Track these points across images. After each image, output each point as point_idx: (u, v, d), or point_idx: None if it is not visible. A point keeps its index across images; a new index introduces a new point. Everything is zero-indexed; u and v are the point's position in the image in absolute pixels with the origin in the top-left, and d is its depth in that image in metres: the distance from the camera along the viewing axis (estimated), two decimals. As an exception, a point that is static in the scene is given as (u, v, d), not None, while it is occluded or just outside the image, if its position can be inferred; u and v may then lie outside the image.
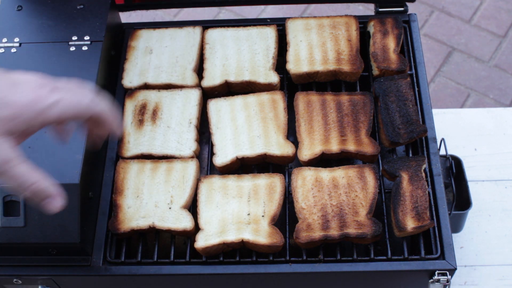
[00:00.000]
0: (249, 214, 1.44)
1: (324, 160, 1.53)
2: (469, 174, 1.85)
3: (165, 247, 1.50)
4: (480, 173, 1.89)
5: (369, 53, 1.67)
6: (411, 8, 1.76)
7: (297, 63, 1.64)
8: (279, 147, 1.52)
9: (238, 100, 1.61)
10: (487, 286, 1.73)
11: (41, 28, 1.62)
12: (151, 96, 1.62)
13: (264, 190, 1.47)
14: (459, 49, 3.17)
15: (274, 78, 1.62)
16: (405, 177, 1.46)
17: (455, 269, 1.39)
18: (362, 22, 1.72)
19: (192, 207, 1.50)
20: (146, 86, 1.65)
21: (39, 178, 1.11)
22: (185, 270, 1.42)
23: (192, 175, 1.50)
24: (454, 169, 1.70)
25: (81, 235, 1.38)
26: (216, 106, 1.61)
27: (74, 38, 1.60)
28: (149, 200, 1.48)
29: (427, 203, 1.42)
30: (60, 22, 1.63)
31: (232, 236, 1.40)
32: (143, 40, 1.71)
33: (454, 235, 1.77)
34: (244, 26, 1.73)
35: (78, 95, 1.15)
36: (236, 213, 1.44)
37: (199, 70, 1.69)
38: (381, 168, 1.53)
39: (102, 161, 1.55)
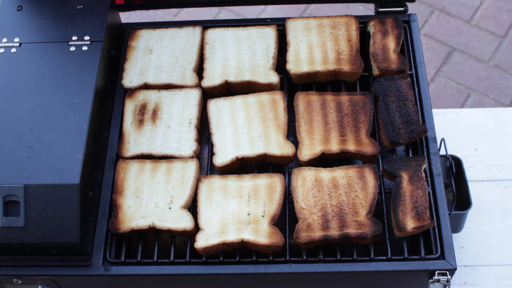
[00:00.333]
0: (249, 214, 1.44)
1: (324, 160, 1.53)
2: (469, 174, 1.85)
3: (165, 247, 1.50)
4: (480, 173, 1.89)
5: (369, 53, 1.67)
6: (411, 8, 1.76)
7: (297, 63, 1.64)
8: (279, 147, 1.52)
9: (238, 100, 1.61)
10: (487, 286, 1.73)
11: (41, 28, 1.62)
12: (151, 96, 1.62)
13: (264, 190, 1.47)
14: (459, 49, 3.17)
15: (274, 78, 1.62)
16: (405, 177, 1.46)
17: (455, 269, 1.39)
18: (362, 22, 1.72)
19: (192, 207, 1.50)
20: (146, 86, 1.64)
21: None
22: (185, 270, 1.42)
23: (192, 175, 1.50)
24: (454, 169, 1.70)
25: (81, 235, 1.38)
26: (216, 106, 1.61)
27: (74, 38, 1.60)
28: (149, 200, 1.48)
29: (427, 203, 1.42)
30: (60, 22, 1.63)
31: (232, 236, 1.40)
32: (143, 40, 1.71)
33: (454, 235, 1.77)
34: (244, 26, 1.73)
35: None
36: (236, 213, 1.44)
37: (199, 70, 1.69)
38: (381, 168, 1.53)
39: (102, 161, 1.55)
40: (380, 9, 1.75)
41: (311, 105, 1.58)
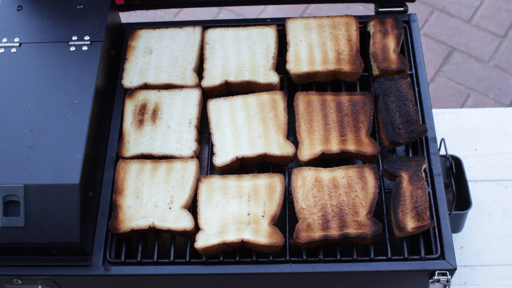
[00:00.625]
0: (249, 214, 1.44)
1: (324, 160, 1.53)
2: (469, 174, 1.85)
3: (165, 247, 1.50)
4: (480, 173, 1.89)
5: (369, 53, 1.67)
6: (411, 8, 1.76)
7: (297, 63, 1.64)
8: (279, 147, 1.52)
9: (238, 100, 1.61)
10: (487, 286, 1.73)
11: (41, 28, 1.62)
12: (151, 96, 1.62)
13: (264, 190, 1.47)
14: (459, 49, 3.17)
15: (274, 78, 1.62)
16: (405, 177, 1.46)
17: (455, 269, 1.39)
18: (362, 22, 1.72)
19: (192, 207, 1.50)
20: (146, 86, 1.65)
21: None
22: (185, 270, 1.42)
23: (192, 175, 1.50)
24: (454, 169, 1.70)
25: (81, 235, 1.38)
26: (216, 106, 1.61)
27: (74, 38, 1.60)
28: (149, 200, 1.48)
29: (427, 203, 1.42)
30: (60, 22, 1.63)
31: (232, 236, 1.40)
32: (143, 40, 1.71)
33: (454, 235, 1.77)
34: (244, 26, 1.73)
35: None
36: (236, 213, 1.44)
37: (199, 70, 1.69)
38: (381, 168, 1.53)
39: (102, 161, 1.55)
40: (380, 9, 1.75)
41: (311, 105, 1.58)
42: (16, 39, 1.60)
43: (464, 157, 1.85)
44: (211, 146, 1.58)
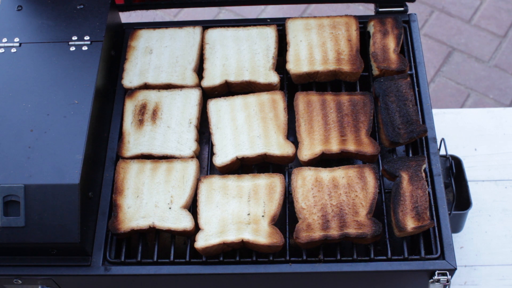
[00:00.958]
0: (249, 214, 1.44)
1: (324, 160, 1.53)
2: (469, 174, 1.85)
3: (165, 247, 1.50)
4: (480, 173, 1.89)
5: (369, 53, 1.67)
6: (411, 8, 1.76)
7: (297, 63, 1.64)
8: (279, 147, 1.52)
9: (238, 100, 1.61)
10: (487, 286, 1.73)
11: (41, 28, 1.62)
12: (151, 96, 1.62)
13: (264, 190, 1.47)
14: (459, 49, 3.17)
15: (274, 78, 1.62)
16: (405, 177, 1.46)
17: (455, 269, 1.39)
18: (362, 22, 1.72)
19: (192, 207, 1.50)
20: (146, 86, 1.64)
21: None
22: (185, 270, 1.42)
23: (192, 175, 1.50)
24: (454, 169, 1.70)
25: (81, 235, 1.38)
26: (216, 106, 1.61)
27: (74, 38, 1.60)
28: (149, 200, 1.48)
29: (427, 203, 1.42)
30: (60, 22, 1.63)
31: (232, 236, 1.40)
32: (143, 40, 1.71)
33: (454, 235, 1.77)
34: (244, 26, 1.73)
35: None
36: (236, 213, 1.44)
37: (199, 70, 1.69)
38: (381, 168, 1.53)
39: (102, 161, 1.55)
40: (380, 9, 1.75)
41: (311, 105, 1.58)
42: (16, 39, 1.60)
43: (464, 157, 1.85)
44: (211, 146, 1.58)
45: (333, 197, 1.44)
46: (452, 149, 1.90)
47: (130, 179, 1.51)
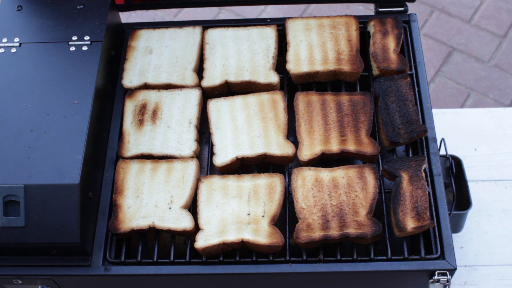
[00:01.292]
0: (249, 214, 1.44)
1: (324, 160, 1.53)
2: (469, 174, 1.85)
3: (165, 247, 1.50)
4: (480, 173, 1.89)
5: (369, 53, 1.67)
6: (411, 8, 1.76)
7: (297, 63, 1.64)
8: (279, 147, 1.52)
9: (238, 100, 1.61)
10: (487, 286, 1.73)
11: (41, 28, 1.62)
12: (151, 96, 1.62)
13: (264, 190, 1.47)
14: (459, 49, 3.17)
15: (274, 78, 1.62)
16: (405, 177, 1.46)
17: (455, 269, 1.39)
18: (362, 22, 1.72)
19: (192, 207, 1.50)
20: (146, 86, 1.64)
21: None
22: (185, 270, 1.42)
23: (192, 175, 1.50)
24: (454, 169, 1.70)
25: (81, 235, 1.38)
26: (216, 106, 1.61)
27: (74, 38, 1.60)
28: (149, 200, 1.48)
29: (427, 203, 1.42)
30: (60, 22, 1.63)
31: (232, 236, 1.40)
32: (143, 40, 1.71)
33: (454, 235, 1.77)
34: (244, 26, 1.73)
35: None
36: (236, 213, 1.44)
37: (199, 70, 1.69)
38: (381, 168, 1.53)
39: (102, 161, 1.55)
40: (380, 9, 1.75)
41: (311, 105, 1.58)
42: (16, 39, 1.60)
43: (464, 157, 1.85)
44: (211, 146, 1.58)
45: (333, 197, 1.44)
46: (452, 149, 1.90)
47: (130, 179, 1.51)
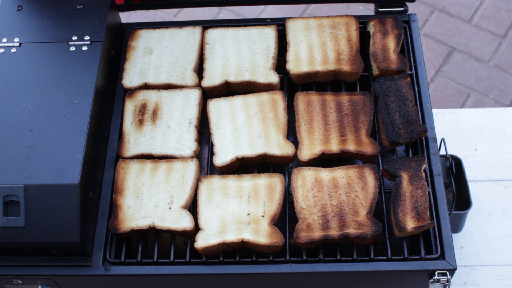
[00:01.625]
0: (249, 214, 1.44)
1: (324, 160, 1.53)
2: (469, 174, 1.85)
3: (165, 247, 1.50)
4: (480, 173, 1.89)
5: (369, 53, 1.67)
6: (411, 8, 1.76)
7: (297, 63, 1.64)
8: (279, 147, 1.52)
9: (238, 100, 1.61)
10: (487, 286, 1.73)
11: (41, 28, 1.62)
12: (151, 96, 1.62)
13: (264, 190, 1.47)
14: (459, 49, 3.17)
15: (274, 78, 1.62)
16: (405, 177, 1.46)
17: (455, 269, 1.39)
18: (362, 22, 1.72)
19: (192, 207, 1.50)
20: (146, 86, 1.64)
21: None
22: (185, 270, 1.42)
23: (192, 175, 1.50)
24: (454, 169, 1.70)
25: (81, 235, 1.38)
26: (216, 106, 1.61)
27: (74, 38, 1.60)
28: (149, 200, 1.48)
29: (427, 203, 1.42)
30: (60, 22, 1.63)
31: (232, 236, 1.40)
32: (143, 40, 1.71)
33: (454, 235, 1.77)
34: (244, 26, 1.73)
35: None
36: (236, 213, 1.44)
37: (199, 70, 1.69)
38: (381, 168, 1.53)
39: (102, 161, 1.55)
40: (380, 9, 1.75)
41: (311, 105, 1.58)
42: (16, 39, 1.60)
43: (464, 157, 1.85)
44: (211, 146, 1.58)
45: (333, 197, 1.44)
46: (452, 149, 1.90)
47: (130, 179, 1.51)
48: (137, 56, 1.69)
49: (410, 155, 1.54)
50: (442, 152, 1.68)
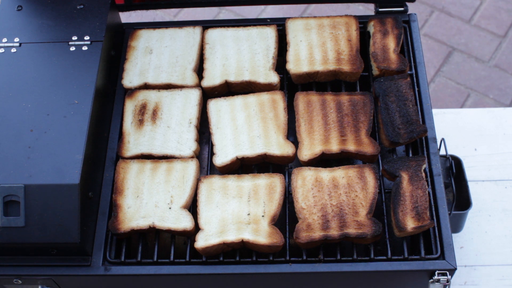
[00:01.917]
0: (249, 214, 1.44)
1: (324, 160, 1.53)
2: (469, 174, 1.85)
3: (165, 247, 1.50)
4: (480, 173, 1.89)
5: (369, 53, 1.67)
6: (411, 8, 1.76)
7: (297, 63, 1.64)
8: (279, 147, 1.52)
9: (238, 100, 1.61)
10: (487, 286, 1.73)
11: (41, 28, 1.62)
12: (151, 96, 1.62)
13: (264, 190, 1.47)
14: (459, 49, 3.17)
15: (274, 78, 1.62)
16: (405, 177, 1.46)
17: (455, 269, 1.39)
18: (362, 22, 1.72)
19: (192, 207, 1.50)
20: (146, 86, 1.64)
21: None
22: (185, 270, 1.42)
23: (192, 175, 1.50)
24: (454, 169, 1.70)
25: (81, 235, 1.38)
26: (216, 106, 1.61)
27: (74, 38, 1.60)
28: (149, 200, 1.48)
29: (427, 203, 1.42)
30: (60, 22, 1.63)
31: (232, 236, 1.40)
32: (143, 40, 1.71)
33: (454, 235, 1.77)
34: (244, 26, 1.73)
35: None
36: (236, 213, 1.44)
37: (199, 70, 1.69)
38: (381, 168, 1.53)
39: (102, 161, 1.55)
40: (380, 9, 1.75)
41: (311, 105, 1.58)
42: (16, 39, 1.60)
43: (464, 157, 1.85)
44: (211, 146, 1.58)
45: (333, 197, 1.44)
46: (452, 149, 1.90)
47: (130, 179, 1.51)
48: (137, 56, 1.69)
49: (410, 155, 1.54)
50: (442, 152, 1.68)
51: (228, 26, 1.73)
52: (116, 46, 1.71)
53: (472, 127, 1.98)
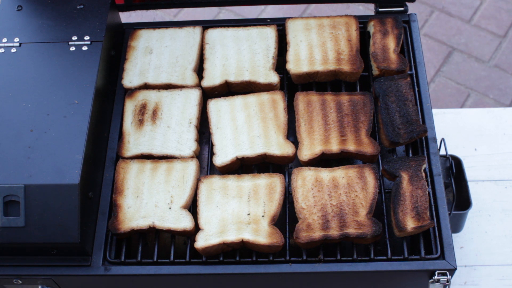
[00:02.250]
0: (249, 214, 1.44)
1: (324, 160, 1.53)
2: (469, 174, 1.85)
3: (165, 247, 1.50)
4: (480, 173, 1.89)
5: (369, 53, 1.67)
6: (411, 8, 1.76)
7: (297, 63, 1.64)
8: (279, 147, 1.52)
9: (238, 100, 1.61)
10: (487, 286, 1.73)
11: (41, 28, 1.62)
12: (151, 96, 1.62)
13: (264, 190, 1.47)
14: (459, 49, 3.17)
15: (274, 78, 1.62)
16: (405, 177, 1.46)
17: (455, 269, 1.39)
18: (362, 22, 1.72)
19: (192, 207, 1.50)
20: (146, 86, 1.64)
21: None
22: (185, 270, 1.42)
23: (192, 175, 1.50)
24: (454, 169, 1.70)
25: (81, 235, 1.38)
26: (216, 106, 1.61)
27: (74, 38, 1.60)
28: (149, 200, 1.48)
29: (427, 203, 1.42)
30: (60, 22, 1.63)
31: (232, 236, 1.40)
32: (143, 40, 1.71)
33: (454, 235, 1.77)
34: (244, 26, 1.73)
35: None
36: (236, 213, 1.44)
37: (199, 70, 1.69)
38: (381, 168, 1.53)
39: (102, 161, 1.55)
40: (380, 9, 1.75)
41: (311, 105, 1.58)
42: (16, 39, 1.60)
43: (464, 157, 1.85)
44: (211, 146, 1.58)
45: (333, 197, 1.44)
46: (452, 149, 1.90)
47: (130, 179, 1.51)
48: (137, 56, 1.69)
49: (410, 155, 1.54)
50: (442, 152, 1.68)
51: (228, 26, 1.73)
52: (116, 46, 1.71)
53: (472, 127, 1.98)
